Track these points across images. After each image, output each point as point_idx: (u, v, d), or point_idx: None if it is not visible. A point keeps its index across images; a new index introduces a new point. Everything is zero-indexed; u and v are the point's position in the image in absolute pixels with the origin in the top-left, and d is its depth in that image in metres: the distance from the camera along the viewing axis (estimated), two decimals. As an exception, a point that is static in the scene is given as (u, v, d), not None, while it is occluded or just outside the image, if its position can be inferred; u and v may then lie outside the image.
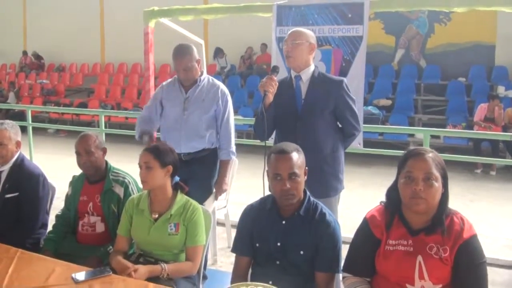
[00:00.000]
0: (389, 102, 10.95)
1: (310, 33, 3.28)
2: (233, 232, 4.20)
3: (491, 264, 4.36)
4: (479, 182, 8.11)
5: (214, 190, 3.81)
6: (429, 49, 11.94)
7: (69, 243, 3.15)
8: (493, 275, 4.21)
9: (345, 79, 3.29)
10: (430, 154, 2.12)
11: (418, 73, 11.85)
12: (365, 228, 2.28)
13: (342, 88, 3.22)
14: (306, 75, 3.26)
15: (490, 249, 4.79)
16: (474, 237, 2.10)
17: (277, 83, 3.13)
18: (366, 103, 10.18)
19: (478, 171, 8.73)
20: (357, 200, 6.38)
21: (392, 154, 6.06)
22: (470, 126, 9.48)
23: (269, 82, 3.11)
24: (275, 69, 3.21)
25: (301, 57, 3.22)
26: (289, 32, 3.30)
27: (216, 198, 3.79)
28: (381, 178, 7.61)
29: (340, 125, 3.31)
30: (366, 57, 4.17)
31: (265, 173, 2.78)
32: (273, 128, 3.35)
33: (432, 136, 6.48)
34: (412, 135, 9.60)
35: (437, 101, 11.26)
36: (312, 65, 3.29)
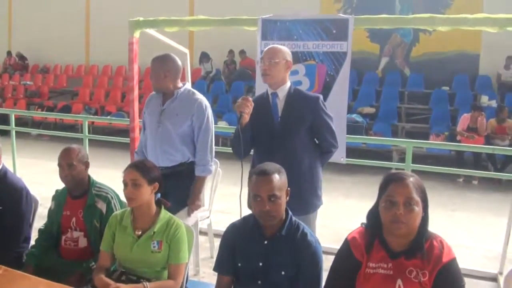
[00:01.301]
0: (372, 110, 11.03)
1: (286, 50, 3.31)
2: (216, 242, 4.24)
3: (470, 276, 4.42)
4: (461, 192, 8.18)
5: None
6: (414, 58, 12.09)
7: (52, 258, 3.14)
8: (473, 287, 4.26)
9: (321, 96, 3.32)
10: (411, 179, 2.15)
11: (402, 81, 11.97)
12: (346, 250, 2.30)
13: (318, 105, 3.24)
14: (282, 92, 3.28)
15: (470, 260, 4.86)
16: (453, 261, 2.13)
17: (253, 104, 3.15)
18: (350, 110, 10.24)
19: (460, 180, 8.80)
20: (339, 210, 6.42)
21: (376, 165, 6.14)
22: (453, 135, 9.56)
23: (245, 103, 3.13)
24: (250, 90, 3.24)
25: (278, 75, 3.24)
26: (265, 49, 3.33)
27: (189, 215, 3.71)
28: (364, 188, 7.67)
29: (317, 142, 3.34)
30: (351, 64, 4.20)
31: (241, 194, 2.81)
32: (251, 146, 3.37)
33: (415, 146, 6.53)
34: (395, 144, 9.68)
35: (420, 109, 11.37)
36: (288, 82, 3.33)
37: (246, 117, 3.15)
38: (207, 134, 3.69)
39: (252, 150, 3.44)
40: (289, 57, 3.30)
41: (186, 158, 3.69)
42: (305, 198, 3.24)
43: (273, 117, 3.26)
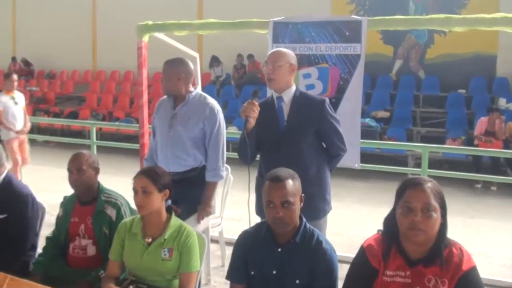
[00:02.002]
0: (387, 114, 11.01)
1: (290, 53, 3.32)
2: (228, 250, 4.24)
3: (489, 286, 4.38)
4: (479, 198, 8.14)
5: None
6: (429, 60, 12.04)
7: (59, 267, 3.14)
8: (492, 297, 4.24)
9: (327, 99, 3.33)
10: (429, 184, 2.14)
11: (417, 84, 11.93)
12: (362, 258, 2.30)
13: (324, 109, 3.25)
14: (288, 96, 3.30)
15: (489, 269, 4.82)
16: (473, 269, 2.12)
17: (259, 108, 3.16)
18: (364, 114, 10.22)
19: (479, 186, 8.74)
20: (353, 217, 6.40)
21: (391, 171, 6.12)
22: (470, 140, 9.52)
23: (250, 107, 3.13)
24: (255, 94, 3.23)
25: (282, 79, 3.26)
26: (268, 53, 3.35)
27: (198, 221, 3.70)
28: (379, 193, 7.64)
29: (324, 145, 3.35)
30: (363, 67, 4.20)
31: (249, 201, 2.81)
32: (257, 151, 3.39)
33: (431, 151, 6.49)
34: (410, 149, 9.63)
35: (436, 113, 11.33)
36: (294, 85, 3.34)
37: (252, 122, 3.15)
38: (218, 138, 3.71)
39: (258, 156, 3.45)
40: (294, 61, 3.31)
41: (198, 162, 3.71)
42: (313, 204, 3.22)
43: (279, 122, 3.27)
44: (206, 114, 3.67)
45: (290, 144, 3.22)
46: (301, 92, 3.36)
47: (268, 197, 2.43)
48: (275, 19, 4.37)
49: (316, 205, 3.26)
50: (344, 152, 3.37)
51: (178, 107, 3.72)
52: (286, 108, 3.28)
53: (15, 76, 7.73)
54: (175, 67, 3.70)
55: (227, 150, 3.88)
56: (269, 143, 3.28)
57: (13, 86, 7.58)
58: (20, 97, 7.72)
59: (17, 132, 7.46)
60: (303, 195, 2.52)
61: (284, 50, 3.35)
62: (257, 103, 3.17)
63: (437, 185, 2.19)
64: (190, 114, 3.68)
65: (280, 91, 3.30)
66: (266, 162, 3.30)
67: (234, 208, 5.22)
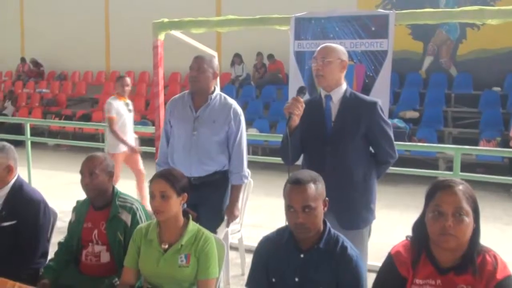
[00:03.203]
0: (416, 114, 10.93)
1: (341, 49, 3.27)
2: (248, 258, 4.24)
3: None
4: (515, 203, 8.04)
5: (225, 217, 3.85)
6: (461, 56, 11.92)
7: (71, 274, 3.16)
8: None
9: (379, 101, 3.27)
10: (460, 187, 2.12)
11: (448, 82, 11.81)
12: (390, 265, 2.29)
13: (376, 111, 3.21)
14: (337, 95, 3.25)
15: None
16: (509, 278, 2.09)
17: (304, 105, 3.12)
18: (391, 115, 10.16)
19: (515, 190, 8.65)
20: (381, 223, 6.33)
21: (421, 174, 6.08)
22: (505, 141, 9.38)
23: (295, 103, 3.10)
24: (301, 90, 3.19)
25: (332, 76, 3.21)
26: (318, 48, 3.30)
27: (227, 225, 3.84)
28: (408, 198, 7.62)
29: (372, 151, 3.31)
30: (391, 64, 4.18)
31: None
32: (301, 151, 3.35)
33: (463, 153, 6.44)
34: (441, 152, 9.55)
35: (469, 113, 11.20)
36: (344, 84, 3.29)
37: (296, 119, 3.11)
38: (242, 141, 3.79)
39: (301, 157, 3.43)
40: (345, 57, 3.27)
41: (221, 166, 3.77)
42: (356, 211, 3.22)
43: (326, 122, 3.23)
44: (231, 116, 3.73)
45: (336, 146, 3.18)
46: (351, 91, 3.31)
47: (288, 201, 2.43)
48: (297, 14, 4.38)
49: (358, 213, 3.24)
50: (393, 159, 3.33)
51: (201, 109, 3.75)
52: (334, 108, 3.24)
53: (128, 80, 6.92)
54: (210, 63, 3.75)
55: (247, 153, 3.92)
56: (314, 144, 3.25)
57: (125, 91, 6.83)
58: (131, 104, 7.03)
59: (130, 150, 6.75)
60: (327, 199, 2.50)
61: (334, 45, 3.31)
62: (302, 100, 3.13)
63: (469, 188, 2.17)
64: (215, 116, 3.73)
65: (329, 89, 3.26)
66: (309, 164, 3.26)
67: (254, 214, 5.23)
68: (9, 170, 3.31)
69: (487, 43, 11.44)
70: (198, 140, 3.70)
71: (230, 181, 3.83)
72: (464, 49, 11.89)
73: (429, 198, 2.18)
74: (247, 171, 3.87)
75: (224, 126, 3.73)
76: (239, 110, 3.82)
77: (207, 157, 3.72)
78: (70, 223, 3.31)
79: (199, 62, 3.71)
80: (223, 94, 3.89)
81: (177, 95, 3.98)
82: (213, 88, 3.80)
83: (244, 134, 3.84)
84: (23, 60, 17.66)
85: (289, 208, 2.43)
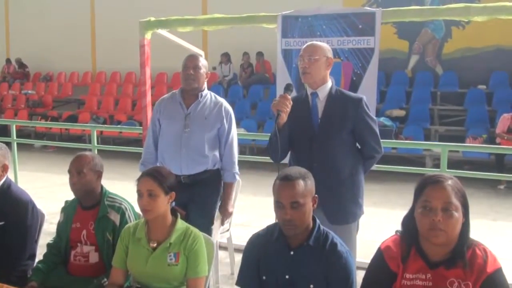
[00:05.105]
0: (402, 112, 10.97)
1: (326, 47, 3.31)
2: (237, 257, 4.23)
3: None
4: (502, 199, 8.10)
5: (219, 215, 3.86)
6: (446, 55, 11.97)
7: (59, 275, 3.12)
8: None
9: (364, 97, 3.31)
10: (449, 182, 2.13)
11: (434, 80, 11.87)
12: (380, 260, 2.29)
13: (361, 107, 3.24)
14: (323, 92, 3.28)
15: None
16: (498, 271, 2.10)
17: (291, 102, 3.15)
18: (378, 113, 10.18)
19: (502, 187, 8.70)
20: (369, 221, 6.36)
21: (407, 171, 6.10)
22: (491, 138, 9.46)
23: (283, 101, 3.12)
24: (288, 87, 3.22)
25: (318, 73, 3.24)
26: (304, 46, 3.33)
27: (222, 224, 3.85)
28: (395, 196, 7.64)
29: (359, 146, 3.33)
30: (378, 62, 4.20)
31: None
32: (288, 148, 3.37)
33: (450, 150, 6.47)
34: (428, 149, 9.59)
35: (455, 111, 11.27)
36: (329, 81, 3.32)
37: (284, 117, 3.14)
38: (233, 139, 3.82)
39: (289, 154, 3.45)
40: (330, 54, 3.31)
41: (212, 164, 3.77)
42: (345, 207, 3.25)
43: (313, 119, 3.27)
44: (222, 114, 3.76)
45: (323, 143, 3.21)
46: (337, 88, 3.35)
47: (277, 197, 2.44)
48: (284, 12, 4.38)
49: (346, 208, 3.26)
50: (379, 154, 3.37)
51: (192, 106, 3.75)
52: (320, 105, 3.27)
53: None
54: (203, 62, 3.76)
55: (237, 152, 3.94)
56: (301, 141, 3.28)
57: None
58: None
59: None
60: (316, 196, 2.50)
61: (320, 43, 3.35)
62: (289, 97, 3.16)
63: (458, 183, 2.18)
64: (206, 113, 3.74)
65: (315, 87, 3.29)
66: (296, 161, 3.28)
67: (242, 213, 5.22)
68: (4, 169, 3.29)
69: (472, 42, 11.50)
70: (190, 137, 3.69)
71: (223, 179, 3.84)
72: (449, 48, 11.94)
73: (418, 193, 2.19)
74: (237, 168, 3.89)
75: (216, 123, 3.74)
76: (230, 108, 3.85)
77: (199, 154, 3.71)
78: (59, 223, 3.28)
79: (195, 61, 3.72)
80: (213, 93, 3.90)
81: (166, 95, 3.98)
82: (203, 87, 3.81)
83: (235, 132, 3.87)
84: (8, 61, 17.50)
85: (277, 204, 2.43)
